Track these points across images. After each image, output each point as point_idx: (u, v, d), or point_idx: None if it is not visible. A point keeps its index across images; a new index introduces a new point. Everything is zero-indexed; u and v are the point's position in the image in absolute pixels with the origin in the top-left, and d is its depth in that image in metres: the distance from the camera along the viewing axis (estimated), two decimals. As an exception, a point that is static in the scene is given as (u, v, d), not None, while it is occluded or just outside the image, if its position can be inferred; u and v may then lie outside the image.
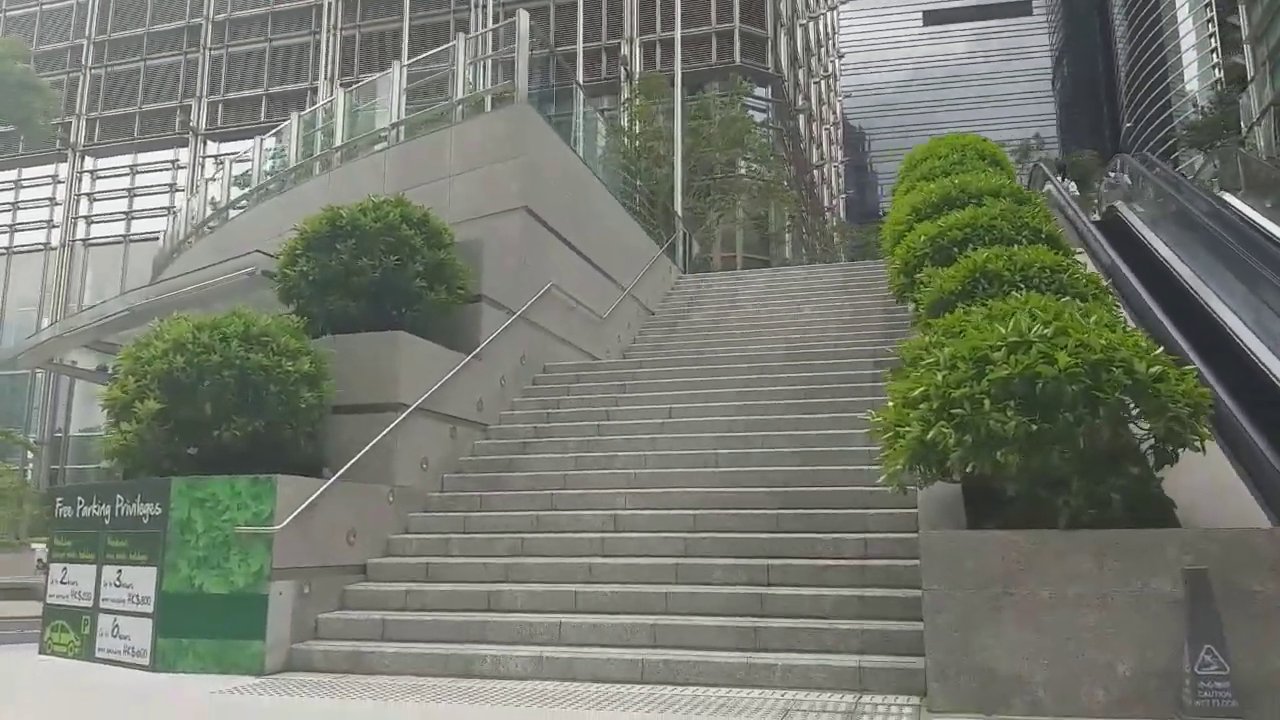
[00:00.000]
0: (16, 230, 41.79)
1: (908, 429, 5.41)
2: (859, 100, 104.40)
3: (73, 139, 41.75)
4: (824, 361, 10.83)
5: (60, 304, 39.59)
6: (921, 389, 5.48)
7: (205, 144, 40.94)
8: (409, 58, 14.10)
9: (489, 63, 13.48)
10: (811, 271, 18.83)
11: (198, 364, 6.98)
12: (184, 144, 41.17)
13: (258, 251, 9.47)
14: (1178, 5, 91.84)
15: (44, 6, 44.55)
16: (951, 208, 9.92)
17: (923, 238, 9.11)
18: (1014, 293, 6.82)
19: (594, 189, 13.81)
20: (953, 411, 5.20)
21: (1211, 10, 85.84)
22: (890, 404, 5.82)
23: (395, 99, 12.36)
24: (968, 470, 5.23)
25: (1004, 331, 5.43)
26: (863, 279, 16.80)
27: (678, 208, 22.37)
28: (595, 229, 13.48)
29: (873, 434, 5.95)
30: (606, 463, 8.90)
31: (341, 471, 7.47)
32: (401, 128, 12.47)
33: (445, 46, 12.29)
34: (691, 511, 7.74)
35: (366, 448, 7.79)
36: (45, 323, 36.82)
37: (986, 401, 5.10)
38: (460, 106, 11.81)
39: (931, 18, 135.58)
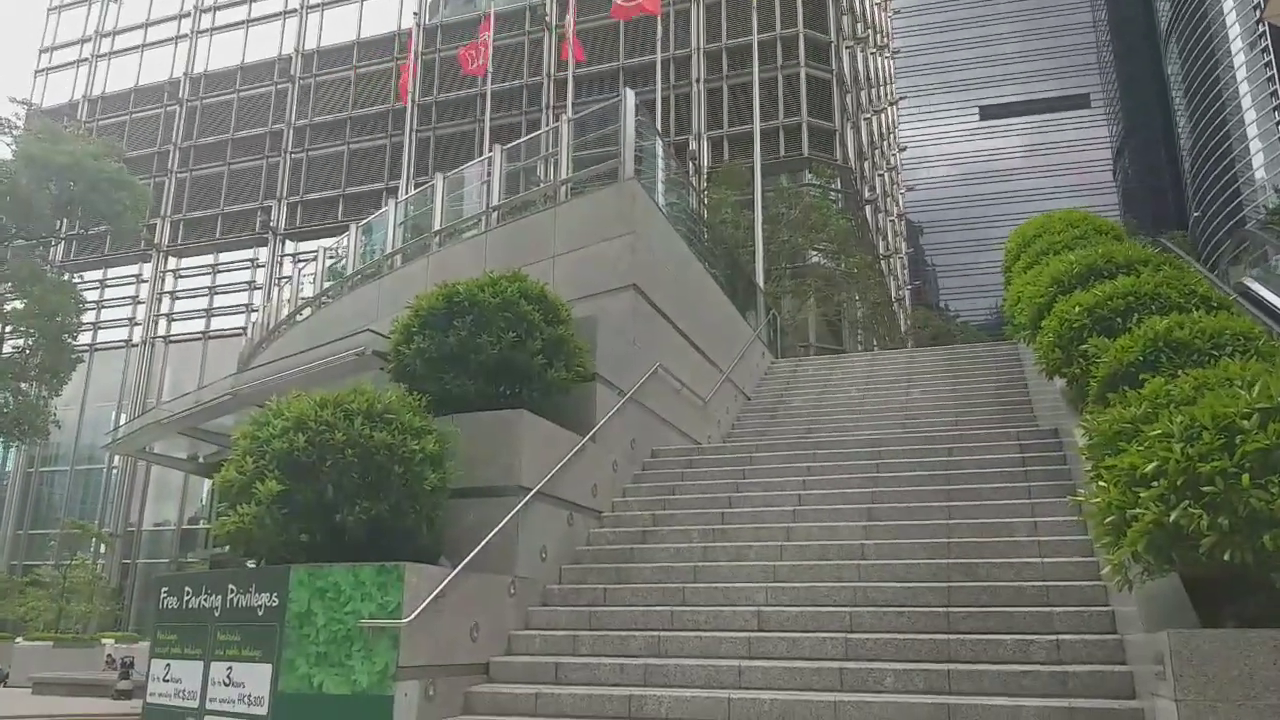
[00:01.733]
0: (100, 328, 42.90)
1: (1140, 511, 4.67)
2: (918, 194, 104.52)
3: (157, 239, 43.10)
4: (954, 446, 10.08)
5: (139, 400, 40.22)
6: (1154, 464, 4.75)
7: (284, 243, 41.94)
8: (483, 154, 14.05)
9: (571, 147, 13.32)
10: (913, 357, 18.12)
11: (320, 443, 6.51)
12: (263, 243, 42.23)
13: (369, 330, 9.11)
14: (1241, 95, 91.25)
15: (133, 115, 46.68)
16: (1097, 278, 9.28)
17: (1077, 308, 8.43)
18: (1217, 361, 6.16)
19: (695, 270, 13.41)
20: (1202, 490, 4.47)
21: (1278, 99, 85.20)
22: (1104, 483, 5.09)
23: (496, 182, 12.17)
24: (1226, 558, 4.47)
25: (1249, 398, 4.72)
26: (967, 362, 16.08)
27: (761, 295, 21.96)
28: (696, 310, 13.03)
29: (1092, 518, 5.20)
30: (738, 554, 8.19)
31: (467, 560, 6.88)
32: (502, 210, 12.24)
33: (547, 129, 12.12)
34: (846, 609, 6.97)
35: (491, 534, 7.21)
36: (123, 419, 37.35)
37: (1245, 477, 4.37)
38: (564, 186, 11.55)
39: (988, 113, 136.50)
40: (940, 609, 6.75)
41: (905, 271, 66.42)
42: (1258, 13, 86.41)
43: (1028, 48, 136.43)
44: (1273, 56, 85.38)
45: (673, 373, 11.65)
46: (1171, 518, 4.49)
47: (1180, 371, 6.31)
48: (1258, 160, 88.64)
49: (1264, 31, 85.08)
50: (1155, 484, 4.68)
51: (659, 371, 11.13)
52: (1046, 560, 7.19)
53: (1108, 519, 4.93)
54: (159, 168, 44.63)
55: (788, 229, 30.65)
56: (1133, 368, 6.91)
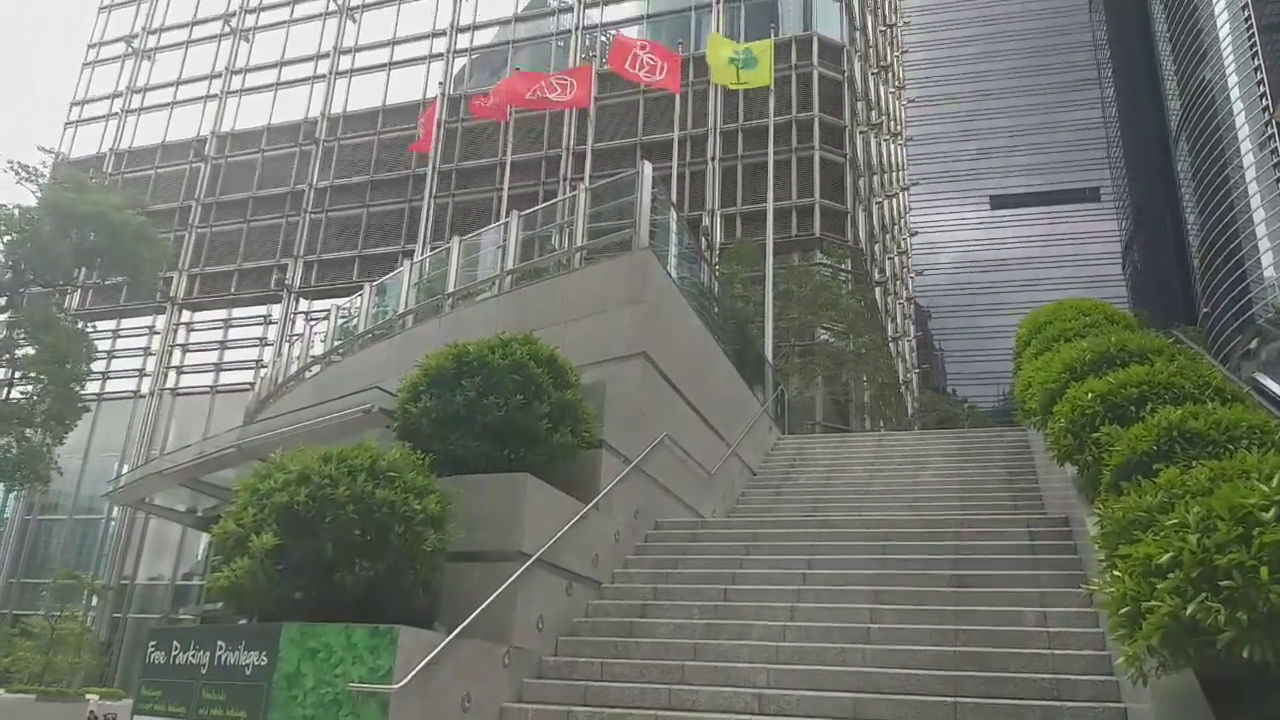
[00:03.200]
0: (109, 377, 43.02)
1: (1156, 603, 4.55)
2: (927, 279, 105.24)
3: (173, 292, 43.48)
4: (962, 530, 9.92)
5: (143, 451, 40.11)
6: (1170, 554, 4.64)
7: (297, 300, 42.26)
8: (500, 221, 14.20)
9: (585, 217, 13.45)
10: (921, 439, 17.99)
11: (321, 497, 6.43)
12: (277, 300, 42.54)
13: (376, 388, 9.09)
14: (1250, 194, 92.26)
15: (159, 170, 47.51)
16: (1110, 366, 9.23)
17: (1090, 395, 8.37)
18: (1232, 453, 6.07)
19: (705, 342, 13.42)
20: (1220, 583, 4.35)
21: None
22: (1119, 573, 4.97)
23: (512, 247, 12.28)
24: (1244, 655, 4.33)
25: (1267, 490, 4.63)
26: (976, 446, 15.95)
27: (769, 371, 21.95)
28: (705, 382, 13.00)
29: (1106, 608, 5.06)
30: (740, 633, 8.00)
31: (462, 626, 6.73)
32: (516, 274, 12.32)
33: (564, 197, 12.25)
34: (851, 694, 6.77)
35: (489, 600, 7.06)
36: (125, 469, 37.20)
37: (1264, 570, 4.26)
38: (579, 254, 11.63)
39: (998, 202, 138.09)
40: (948, 698, 6.55)
41: (913, 354, 66.49)
42: (1266, 114, 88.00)
43: (1039, 141, 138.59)
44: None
45: (679, 443, 11.56)
46: (1188, 611, 4.36)
47: (1195, 462, 6.22)
48: (1267, 259, 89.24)
49: (1273, 133, 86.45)
50: (1171, 575, 4.57)
51: (665, 441, 11.05)
52: (1057, 653, 7.00)
53: (1122, 610, 4.80)
54: (180, 222, 45.23)
55: (798, 306, 30.77)
56: (1146, 457, 6.82)
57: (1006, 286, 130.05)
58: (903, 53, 70.59)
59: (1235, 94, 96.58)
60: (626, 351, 10.57)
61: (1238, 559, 4.33)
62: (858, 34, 43.01)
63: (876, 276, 45.07)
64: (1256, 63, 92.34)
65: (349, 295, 20.31)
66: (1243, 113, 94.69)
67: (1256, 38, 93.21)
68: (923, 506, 12.34)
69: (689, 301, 12.96)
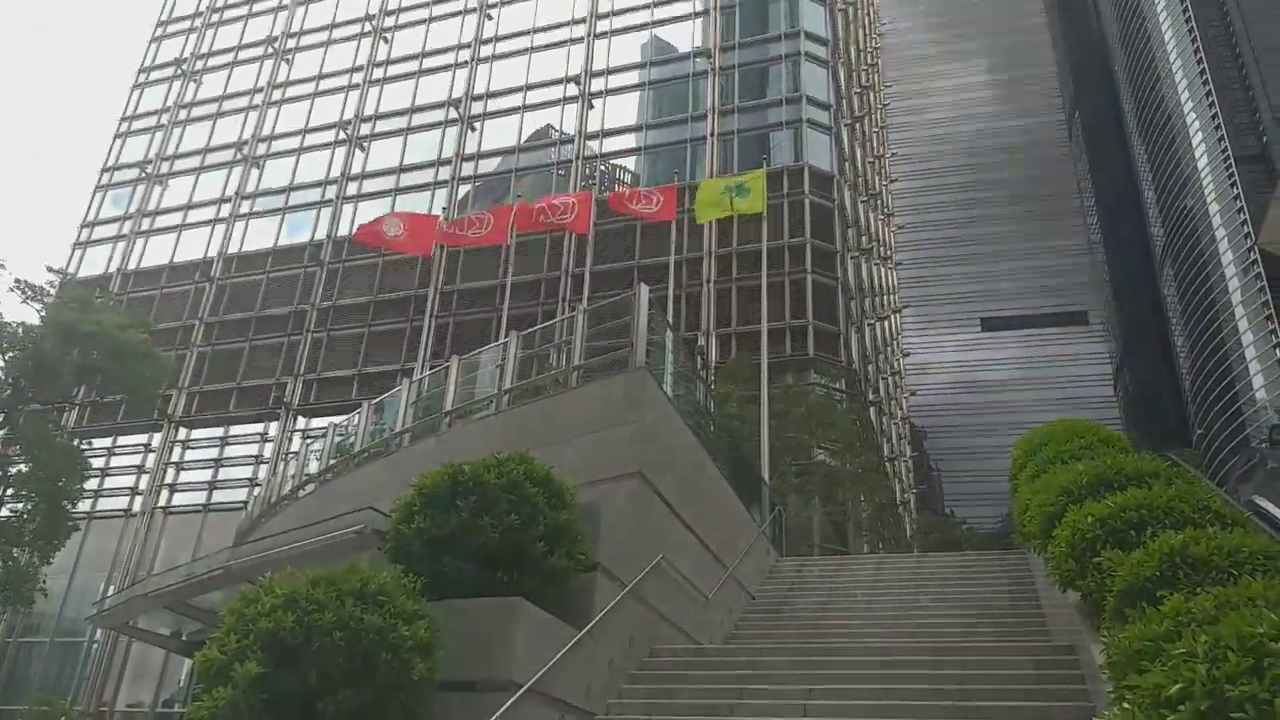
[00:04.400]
0: (101, 495, 42.56)
1: (1167, 736, 4.41)
2: (921, 399, 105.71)
3: (171, 410, 43.47)
4: (965, 658, 9.69)
5: (131, 572, 39.34)
6: (1180, 685, 4.53)
7: (295, 418, 42.24)
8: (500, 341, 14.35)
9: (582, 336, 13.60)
10: (920, 562, 17.74)
11: (308, 623, 6.29)
12: (274, 418, 42.52)
13: (369, 509, 9.01)
14: (1238, 317, 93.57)
15: (164, 289, 48.19)
16: (1107, 489, 9.21)
17: (1090, 519, 8.32)
18: (1236, 578, 6.01)
19: (702, 461, 13.38)
20: (1231, 715, 4.24)
21: (1273, 322, 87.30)
22: (1128, 704, 4.84)
23: (510, 366, 12.38)
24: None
25: (1277, 619, 4.56)
26: (976, 570, 15.71)
27: (767, 491, 21.80)
28: (702, 502, 12.90)
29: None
30: (740, 766, 7.72)
31: (451, 760, 6.49)
32: (514, 393, 12.38)
33: (563, 318, 12.43)
34: (854, 831, 6.49)
35: (479, 732, 6.83)
36: (111, 590, 36.39)
37: (1278, 702, 4.15)
38: (576, 372, 11.72)
39: (989, 324, 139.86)
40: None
41: (910, 475, 66.16)
42: (1249, 240, 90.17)
43: (1027, 265, 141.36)
44: (1265, 282, 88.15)
45: (675, 566, 11.39)
46: (1201, 745, 4.24)
47: (1199, 589, 6.15)
48: (1258, 381, 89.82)
49: (1256, 258, 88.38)
50: (1182, 708, 4.45)
51: (661, 564, 10.89)
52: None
53: (1133, 743, 4.66)
54: (182, 341, 45.59)
55: (794, 426, 30.78)
56: (1150, 583, 6.74)
57: (1000, 407, 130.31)
58: (891, 182, 72.75)
59: (1217, 221, 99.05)
60: (623, 471, 10.53)
61: (1250, 691, 4.23)
62: (847, 164, 44.44)
63: (871, 397, 45.28)
64: (1236, 191, 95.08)
65: (348, 413, 20.34)
66: (1225, 239, 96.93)
67: (1234, 169, 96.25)
68: (924, 633, 12.08)
69: (685, 421, 12.98)
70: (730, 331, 37.21)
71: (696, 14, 46.10)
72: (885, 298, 58.46)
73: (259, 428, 43.03)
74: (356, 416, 15.47)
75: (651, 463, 10.88)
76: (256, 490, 28.98)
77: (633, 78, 46.08)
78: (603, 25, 47.47)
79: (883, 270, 58.39)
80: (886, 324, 58.80)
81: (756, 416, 25.98)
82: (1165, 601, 5.66)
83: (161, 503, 42.62)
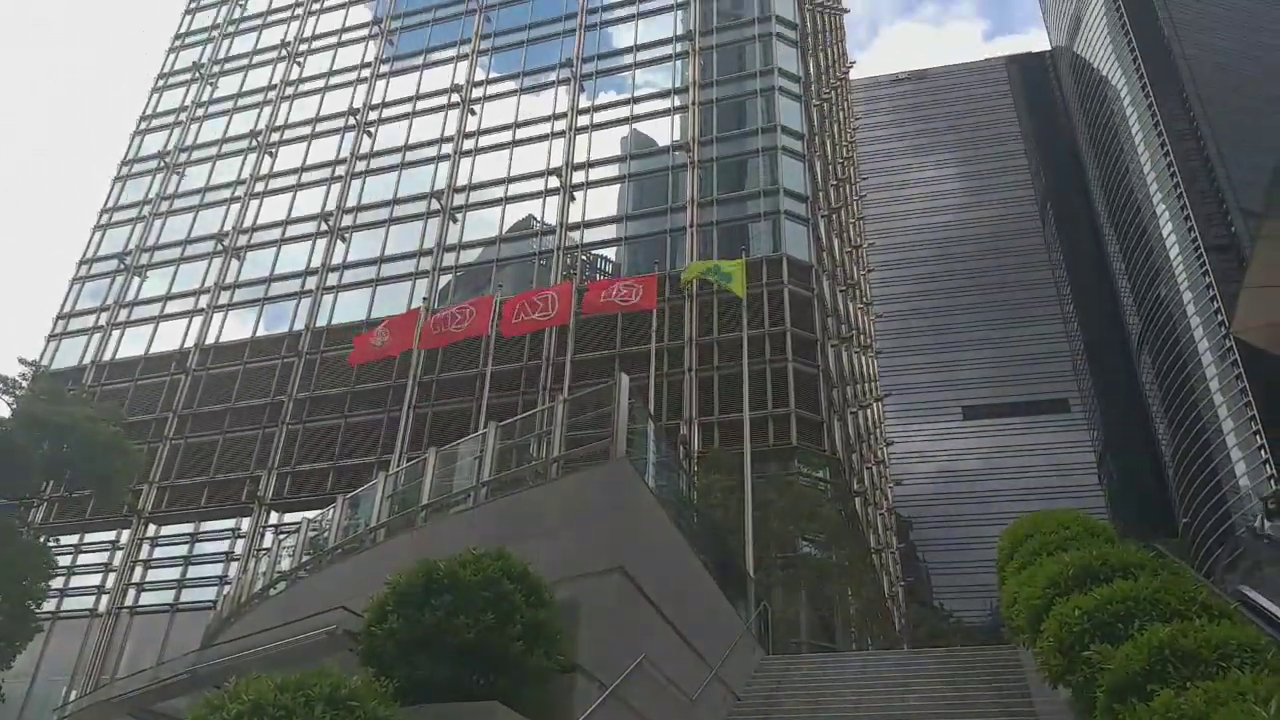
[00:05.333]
0: (66, 595, 41.33)
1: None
2: (907, 489, 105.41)
3: (141, 505, 42.61)
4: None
5: (95, 675, 37.96)
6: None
7: (268, 513, 41.46)
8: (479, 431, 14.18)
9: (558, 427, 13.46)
10: (910, 659, 17.34)
11: (272, 732, 5.99)
12: (247, 512, 41.72)
13: (342, 608, 8.72)
14: (1217, 404, 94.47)
15: (138, 381, 47.76)
16: (1093, 581, 9.08)
17: (1077, 611, 8.17)
18: (1224, 671, 5.85)
19: (684, 555, 13.12)
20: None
21: (1252, 409, 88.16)
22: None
23: (489, 458, 12.20)
24: None
25: (1267, 715, 4.43)
26: (966, 666, 15.34)
27: (752, 586, 21.41)
28: (685, 598, 12.60)
29: None
30: None
31: None
32: (492, 485, 12.17)
33: (542, 408, 12.32)
34: None
35: None
36: (74, 696, 35.06)
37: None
38: (556, 464, 11.56)
39: (970, 413, 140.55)
40: None
41: (898, 567, 65.51)
42: (1223, 328, 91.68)
43: (1005, 353, 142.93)
44: (1243, 369, 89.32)
45: (658, 665, 11.05)
46: None
47: (1189, 683, 6.01)
48: (1240, 468, 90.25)
49: (1231, 345, 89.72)
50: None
51: (644, 665, 10.56)
52: None
53: None
54: (155, 433, 44.99)
55: (778, 517, 30.45)
56: (1139, 677, 6.59)
57: (986, 496, 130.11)
58: (868, 271, 73.89)
59: (1191, 309, 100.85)
60: (603, 566, 10.29)
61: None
62: (825, 255, 45.11)
63: (855, 487, 45.04)
64: (1208, 280, 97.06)
65: (322, 507, 19.96)
66: (1200, 327, 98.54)
67: (1205, 258, 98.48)
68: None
69: (667, 512, 12.77)
70: (713, 420, 37.10)
71: (675, 109, 47.31)
72: (866, 385, 58.73)
73: (231, 523, 42.19)
74: (331, 511, 15.16)
75: (633, 557, 10.64)
76: (226, 589, 28.20)
77: (613, 170, 46.98)
78: (584, 120, 48.58)
79: (863, 359, 58.81)
80: (869, 412, 58.93)
81: (740, 507, 25.69)
82: (1155, 697, 5.53)
83: (128, 602, 41.43)
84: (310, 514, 19.30)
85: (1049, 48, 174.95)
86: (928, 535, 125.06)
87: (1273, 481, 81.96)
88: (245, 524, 41.60)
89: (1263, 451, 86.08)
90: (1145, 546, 13.17)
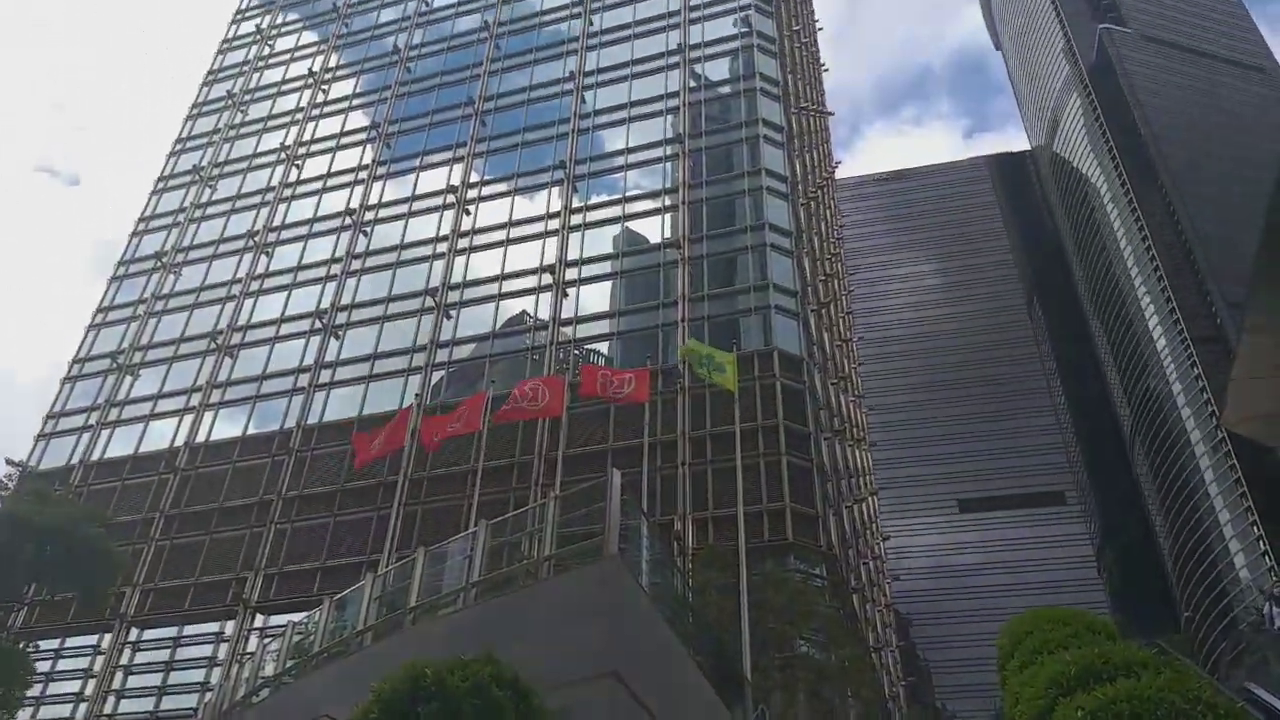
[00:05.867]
0: (44, 703, 40.03)
1: None
2: (904, 584, 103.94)
3: (124, 608, 41.66)
4: None
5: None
6: None
7: (254, 616, 40.53)
8: (469, 529, 14.02)
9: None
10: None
11: None
12: (232, 615, 40.79)
13: (326, 716, 8.45)
14: (1212, 496, 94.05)
15: (126, 481, 47.22)
16: (1096, 680, 8.87)
17: (1081, 712, 7.97)
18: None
19: (679, 657, 12.81)
20: None
21: (1248, 500, 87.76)
22: None
23: (478, 558, 12.02)
24: None
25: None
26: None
27: (749, 689, 20.86)
28: (681, 703, 12.26)
29: None
30: None
31: None
32: (482, 586, 11.95)
33: (534, 505, 12.20)
34: None
35: None
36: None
37: None
38: (547, 563, 11.38)
39: (966, 506, 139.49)
40: None
41: (898, 667, 64.11)
42: (1214, 419, 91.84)
43: (999, 445, 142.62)
44: (1236, 460, 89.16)
45: (653, 775, 10.68)
46: None
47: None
48: (1239, 560, 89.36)
49: (1224, 437, 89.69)
50: None
51: (638, 773, 10.22)
52: None
53: None
54: (141, 534, 44.29)
55: (774, 615, 29.86)
56: (1151, 782, 6.38)
57: (985, 591, 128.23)
58: (859, 364, 74.34)
59: (1181, 400, 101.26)
60: (597, 671, 10.04)
61: None
62: (815, 348, 45.42)
63: (853, 583, 44.37)
64: (1196, 372, 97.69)
65: (309, 610, 19.54)
66: (1191, 418, 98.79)
67: (1193, 350, 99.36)
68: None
69: (662, 612, 12.54)
70: (707, 515, 36.72)
71: (666, 208, 48.26)
72: (861, 479, 58.45)
73: (215, 627, 41.19)
74: (318, 613, 14.84)
75: (627, 661, 10.40)
76: (208, 696, 27.43)
77: (606, 267, 47.60)
78: (576, 219, 49.48)
79: (857, 452, 58.66)
80: (864, 507, 58.52)
81: (736, 606, 25.24)
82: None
83: (108, 709, 40.13)
84: (296, 617, 18.87)
85: (1029, 147, 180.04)
86: (927, 632, 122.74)
87: (1273, 573, 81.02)
88: (230, 628, 40.64)
89: (1261, 543, 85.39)
90: (1148, 643, 12.94)
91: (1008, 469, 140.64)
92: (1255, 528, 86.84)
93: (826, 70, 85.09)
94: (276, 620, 37.99)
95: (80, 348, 55.32)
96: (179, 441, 47.84)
